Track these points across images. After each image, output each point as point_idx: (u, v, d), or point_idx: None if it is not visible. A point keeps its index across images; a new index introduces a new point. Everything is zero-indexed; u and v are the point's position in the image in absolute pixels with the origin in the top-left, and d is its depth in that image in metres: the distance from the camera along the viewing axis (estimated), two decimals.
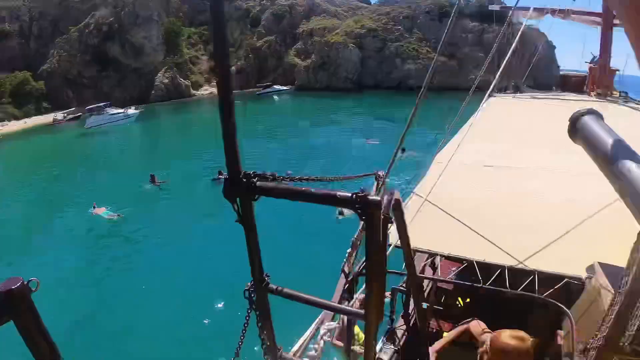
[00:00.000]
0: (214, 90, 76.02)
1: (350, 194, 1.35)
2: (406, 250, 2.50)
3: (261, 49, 76.55)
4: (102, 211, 24.24)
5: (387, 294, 4.15)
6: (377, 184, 3.89)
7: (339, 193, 1.39)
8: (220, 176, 23.41)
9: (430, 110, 21.64)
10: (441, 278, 5.46)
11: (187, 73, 78.70)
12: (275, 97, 61.62)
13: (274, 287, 1.79)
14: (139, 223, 23.25)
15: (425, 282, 6.06)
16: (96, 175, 33.98)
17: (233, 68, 75.89)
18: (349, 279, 3.92)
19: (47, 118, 72.08)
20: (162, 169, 29.87)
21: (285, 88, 64.34)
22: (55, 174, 35.77)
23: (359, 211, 1.35)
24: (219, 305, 15.15)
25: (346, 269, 4.00)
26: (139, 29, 77.74)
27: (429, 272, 6.30)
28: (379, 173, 3.96)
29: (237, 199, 1.50)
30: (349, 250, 4.03)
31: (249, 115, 50.31)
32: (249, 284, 1.77)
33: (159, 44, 79.12)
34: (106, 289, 17.24)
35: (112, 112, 60.64)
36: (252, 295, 1.79)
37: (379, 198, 1.35)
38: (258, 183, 1.47)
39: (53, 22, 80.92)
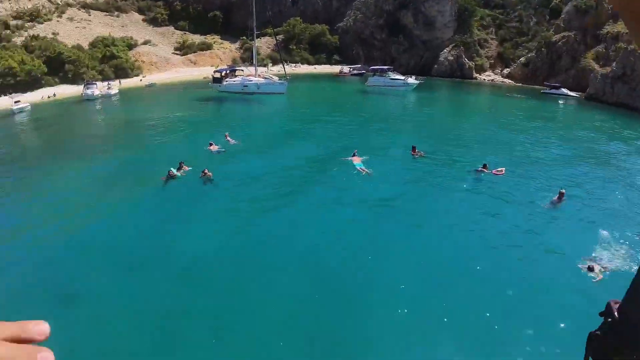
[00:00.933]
0: (497, 77, 73.91)
1: None
2: None
3: (556, 45, 69.82)
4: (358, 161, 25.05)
5: None
6: None
7: None
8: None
9: None
10: None
11: (472, 54, 76.32)
12: (561, 101, 55.34)
13: None
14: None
15: None
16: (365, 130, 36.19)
17: (522, 59, 71.46)
18: None
19: (333, 69, 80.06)
20: (423, 141, 29.09)
21: (574, 94, 57.77)
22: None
23: None
24: None
25: None
26: (433, 2, 77.94)
27: None
28: None
29: None
30: None
31: (528, 112, 46.41)
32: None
33: (451, 20, 78.40)
34: None
35: (392, 77, 62.39)
36: None
37: None
38: None
39: None
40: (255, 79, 55.73)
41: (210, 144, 28.42)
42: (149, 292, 13.17)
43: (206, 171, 22.07)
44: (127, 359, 10.66)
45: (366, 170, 23.75)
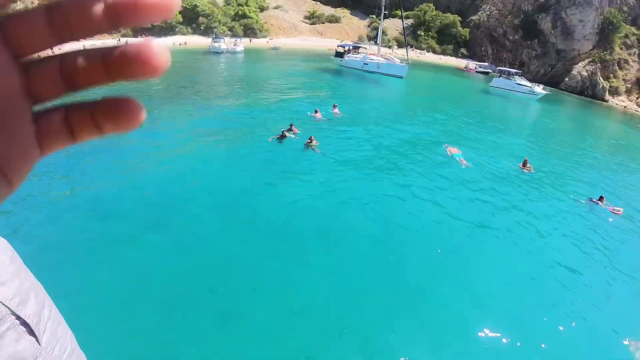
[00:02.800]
0: (631, 105, 67.93)
1: None
2: None
3: None
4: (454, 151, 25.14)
5: None
6: None
7: None
8: None
9: None
10: None
11: (609, 74, 70.82)
12: None
13: None
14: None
15: None
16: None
17: None
18: None
19: (459, 62, 78.57)
20: (538, 156, 27.74)
21: None
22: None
23: None
24: None
25: None
26: (576, 9, 72.88)
27: None
28: None
29: None
30: None
31: None
32: None
33: (592, 32, 72.96)
34: None
35: (519, 82, 59.94)
36: None
37: None
38: None
39: None
40: (376, 59, 56.11)
41: (316, 111, 29.26)
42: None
43: (312, 138, 22.52)
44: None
45: (465, 162, 23.64)
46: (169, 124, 25.30)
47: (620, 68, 71.18)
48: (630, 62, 71.45)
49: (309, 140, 22.40)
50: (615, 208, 20.45)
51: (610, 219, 19.71)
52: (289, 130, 23.86)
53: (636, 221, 20.28)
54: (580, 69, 71.80)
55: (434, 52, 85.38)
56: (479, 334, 10.93)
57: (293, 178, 19.06)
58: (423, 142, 27.39)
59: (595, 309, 13.06)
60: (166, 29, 63.65)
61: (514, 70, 63.96)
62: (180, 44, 62.01)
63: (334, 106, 31.65)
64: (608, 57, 70.46)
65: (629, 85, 69.51)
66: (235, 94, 36.43)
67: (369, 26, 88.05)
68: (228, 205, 16.30)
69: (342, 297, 11.66)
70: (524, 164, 24.90)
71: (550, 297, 13.39)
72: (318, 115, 28.99)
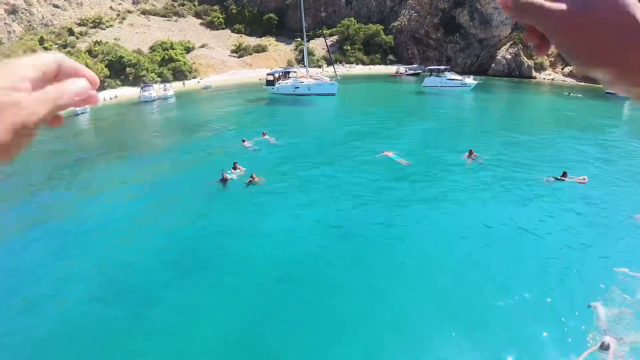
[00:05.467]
0: (557, 76, 70.47)
1: None
2: None
3: None
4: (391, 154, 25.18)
5: None
6: None
7: None
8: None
9: None
10: None
11: (531, 52, 73.80)
12: (627, 103, 51.41)
13: None
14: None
15: None
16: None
17: None
18: None
19: (388, 69, 79.72)
20: (481, 145, 27.25)
21: None
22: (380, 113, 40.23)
23: None
24: None
25: None
26: None
27: None
28: None
29: None
30: None
31: (595, 114, 43.43)
32: None
33: (508, 17, 75.63)
34: None
35: (450, 77, 60.96)
36: None
37: None
38: None
39: None
40: (306, 81, 56.52)
41: (243, 141, 29.04)
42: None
43: (254, 176, 21.41)
44: None
45: (404, 160, 23.84)
46: (99, 186, 23.86)
47: None
48: None
49: (250, 179, 21.32)
50: (580, 178, 20.54)
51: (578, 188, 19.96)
52: (234, 168, 22.76)
53: (601, 185, 20.50)
54: (504, 53, 74.19)
55: (363, 63, 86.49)
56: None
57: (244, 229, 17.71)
58: (364, 151, 27.00)
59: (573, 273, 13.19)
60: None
61: (442, 67, 65.23)
62: (111, 98, 60.54)
63: (264, 134, 31.41)
64: None
65: (552, 59, 72.13)
66: (169, 143, 34.98)
67: (295, 49, 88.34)
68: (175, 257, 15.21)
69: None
70: (470, 154, 24.60)
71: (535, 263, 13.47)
72: (247, 144, 28.69)
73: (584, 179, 20.50)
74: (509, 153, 26.32)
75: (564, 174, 20.66)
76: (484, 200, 19.21)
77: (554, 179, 20.85)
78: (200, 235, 16.66)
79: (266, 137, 30.90)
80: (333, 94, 54.09)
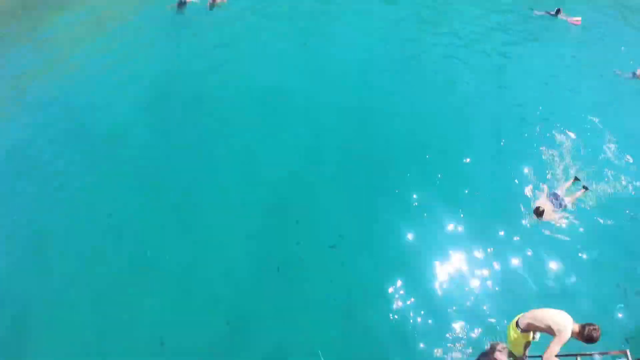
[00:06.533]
0: None
1: None
2: None
3: None
4: None
5: None
6: None
7: None
8: None
9: None
10: None
11: None
12: None
13: None
14: None
15: None
16: None
17: None
18: None
19: None
20: None
21: None
22: None
23: None
24: None
25: None
26: None
27: None
28: None
29: None
30: None
31: None
32: None
33: None
34: None
35: None
36: None
37: None
38: None
39: None
40: None
41: None
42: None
43: None
44: None
45: None
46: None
47: None
48: None
49: (210, 1, 18.03)
50: (574, 18, 18.30)
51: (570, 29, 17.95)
52: None
53: (597, 27, 18.16)
54: None
55: None
56: None
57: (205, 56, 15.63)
58: None
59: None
60: None
61: None
62: None
63: None
64: None
65: None
66: None
67: None
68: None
69: None
70: None
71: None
72: None
73: (578, 20, 18.26)
74: None
75: (558, 11, 18.38)
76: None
77: (545, 13, 18.69)
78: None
79: None
80: None
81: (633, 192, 10.08)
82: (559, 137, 11.49)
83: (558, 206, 9.56)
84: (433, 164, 10.97)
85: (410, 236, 9.48)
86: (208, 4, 18.00)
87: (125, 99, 13.62)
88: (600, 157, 10.92)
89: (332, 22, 17.42)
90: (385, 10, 18.23)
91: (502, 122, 12.24)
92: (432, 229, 9.59)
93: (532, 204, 9.77)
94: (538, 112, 12.54)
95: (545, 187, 10.15)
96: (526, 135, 11.77)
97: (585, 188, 10.05)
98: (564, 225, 9.37)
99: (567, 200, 9.67)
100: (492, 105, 12.96)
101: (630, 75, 14.67)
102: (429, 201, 10.04)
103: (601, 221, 9.51)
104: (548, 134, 11.65)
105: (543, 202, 9.59)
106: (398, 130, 11.98)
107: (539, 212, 9.40)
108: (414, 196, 10.17)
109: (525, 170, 10.62)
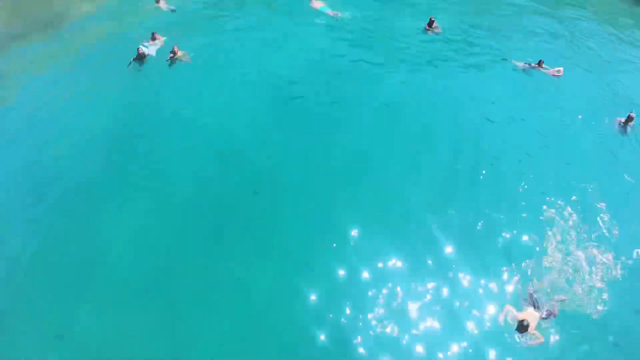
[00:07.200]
0: None
1: None
2: None
3: None
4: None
5: None
6: None
7: None
8: None
9: None
10: None
11: None
12: None
13: None
14: None
15: None
16: None
17: None
18: None
19: None
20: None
21: None
22: None
23: None
24: None
25: None
26: None
27: None
28: None
29: None
30: None
31: None
32: None
33: None
34: None
35: None
36: None
37: None
38: None
39: None
40: None
41: (157, 0, 21.25)
42: None
43: (176, 49, 16.78)
44: None
45: (335, 12, 20.24)
46: None
47: None
48: None
49: (172, 54, 16.75)
50: (554, 69, 17.96)
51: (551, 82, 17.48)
52: (152, 39, 17.63)
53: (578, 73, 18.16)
54: None
55: None
56: None
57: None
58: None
59: None
60: None
61: None
62: None
63: None
64: None
65: None
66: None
67: None
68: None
69: None
70: (430, 25, 20.51)
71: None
72: (161, 4, 21.13)
73: (559, 70, 17.99)
74: (472, 31, 21.64)
75: (540, 63, 18.11)
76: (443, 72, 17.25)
77: (528, 66, 18.25)
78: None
79: None
80: None
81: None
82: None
83: (544, 315, 8.57)
84: None
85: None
86: (168, 58, 16.81)
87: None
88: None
89: None
90: None
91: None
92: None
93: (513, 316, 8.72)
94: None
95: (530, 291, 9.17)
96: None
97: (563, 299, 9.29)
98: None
99: (552, 308, 8.67)
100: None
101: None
102: None
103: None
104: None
105: (528, 314, 8.55)
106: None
107: (523, 327, 8.36)
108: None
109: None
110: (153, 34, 17.79)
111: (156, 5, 21.22)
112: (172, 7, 21.25)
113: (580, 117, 15.16)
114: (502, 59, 18.50)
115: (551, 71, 17.82)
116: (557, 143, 13.86)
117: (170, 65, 16.71)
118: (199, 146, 13.08)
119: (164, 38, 17.88)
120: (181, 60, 16.82)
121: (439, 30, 20.56)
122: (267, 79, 15.84)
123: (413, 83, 16.27)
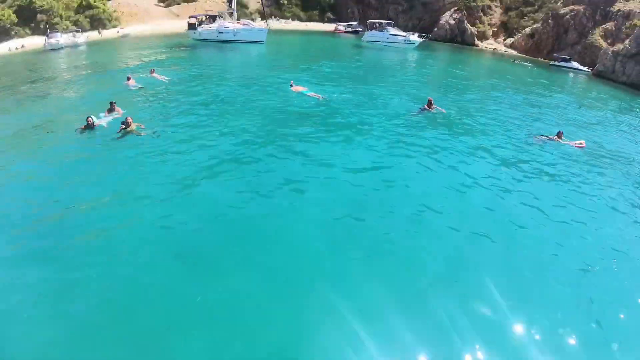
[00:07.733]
0: (499, 46, 68.49)
1: None
2: None
3: (564, 18, 64.57)
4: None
5: None
6: None
7: None
8: None
9: None
10: None
11: (475, 20, 71.16)
12: (571, 74, 50.94)
13: None
14: None
15: None
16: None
17: (527, 30, 66.02)
18: None
19: (326, 27, 78.33)
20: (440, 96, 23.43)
21: (584, 69, 52.93)
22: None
23: None
24: None
25: None
26: None
27: None
28: None
29: None
30: None
31: (535, 80, 41.45)
32: None
33: None
34: None
35: (392, 33, 57.43)
36: None
37: None
38: None
39: None
40: (232, 26, 52.18)
41: (128, 78, 24.33)
42: None
43: (129, 120, 16.21)
44: None
45: (316, 94, 22.28)
46: None
47: (485, 14, 72.09)
48: (493, 8, 72.67)
49: (123, 125, 15.96)
50: (576, 142, 17.68)
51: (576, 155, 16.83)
52: (110, 110, 17.84)
53: (600, 150, 17.76)
54: (447, 18, 71.35)
55: (300, 19, 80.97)
56: None
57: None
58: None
59: None
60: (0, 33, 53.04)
61: (385, 21, 61.80)
62: (17, 48, 51.26)
63: (152, 71, 27.16)
64: (472, 4, 70.67)
65: (495, 29, 70.88)
66: (65, 86, 28.36)
67: (228, 1, 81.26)
68: None
69: None
70: (429, 105, 20.92)
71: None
72: (131, 82, 24.09)
73: (581, 143, 17.49)
74: (473, 114, 22.54)
75: (559, 134, 17.62)
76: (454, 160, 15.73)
77: (546, 138, 17.76)
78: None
79: (155, 74, 26.47)
80: (262, 42, 50.33)
81: None
82: None
83: None
84: None
85: None
86: (120, 129, 15.97)
87: None
88: None
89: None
90: None
91: None
92: None
93: None
94: None
95: None
96: None
97: None
98: None
99: None
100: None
101: None
102: None
103: None
104: None
105: None
106: None
107: None
108: None
109: None
110: (112, 104, 18.01)
111: (127, 82, 23.99)
112: (139, 86, 23.99)
113: None
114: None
115: (573, 143, 17.70)
116: None
117: (119, 135, 15.84)
118: None
119: (123, 111, 17.87)
120: (133, 132, 16.04)
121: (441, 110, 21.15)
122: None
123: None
